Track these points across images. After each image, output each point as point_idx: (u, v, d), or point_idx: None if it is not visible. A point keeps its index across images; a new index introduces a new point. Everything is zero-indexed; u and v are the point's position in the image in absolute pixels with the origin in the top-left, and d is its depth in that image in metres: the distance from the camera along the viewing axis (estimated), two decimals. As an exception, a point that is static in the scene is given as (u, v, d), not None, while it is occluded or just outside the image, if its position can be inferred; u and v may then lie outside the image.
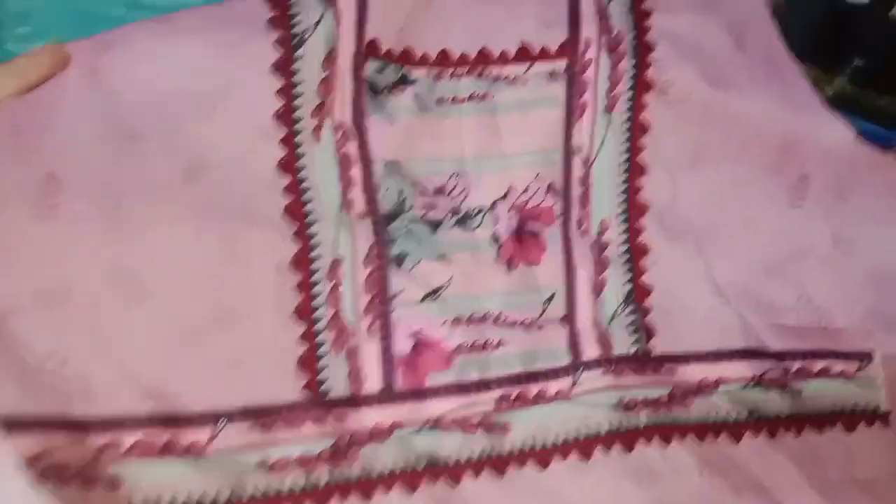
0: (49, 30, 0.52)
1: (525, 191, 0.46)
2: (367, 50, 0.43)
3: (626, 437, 0.44)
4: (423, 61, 0.45)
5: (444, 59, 0.45)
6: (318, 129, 0.42)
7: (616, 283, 0.47)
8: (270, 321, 0.40)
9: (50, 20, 0.53)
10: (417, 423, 0.42)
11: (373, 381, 0.42)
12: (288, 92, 0.42)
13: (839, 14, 0.57)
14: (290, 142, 0.42)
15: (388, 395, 0.42)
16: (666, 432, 0.45)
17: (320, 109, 0.42)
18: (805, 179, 0.47)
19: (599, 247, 0.47)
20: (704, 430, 0.46)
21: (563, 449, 0.44)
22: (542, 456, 0.43)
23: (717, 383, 0.46)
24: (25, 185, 0.36)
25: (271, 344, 0.40)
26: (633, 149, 0.47)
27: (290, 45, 0.42)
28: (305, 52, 0.42)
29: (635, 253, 0.47)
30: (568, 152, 0.47)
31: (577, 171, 0.47)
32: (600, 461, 0.44)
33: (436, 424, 0.42)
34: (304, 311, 0.41)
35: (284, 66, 0.41)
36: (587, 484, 0.43)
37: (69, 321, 0.36)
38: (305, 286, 0.41)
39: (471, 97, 0.46)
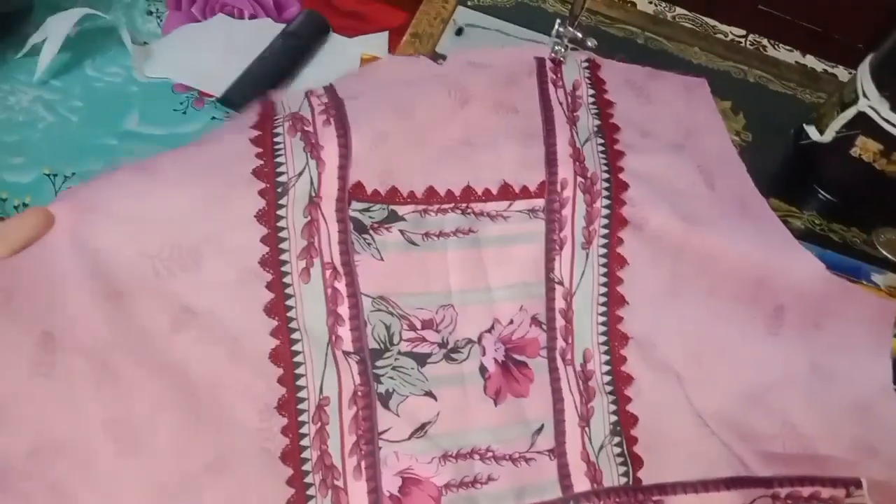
0: (42, 160, 0.55)
1: (510, 322, 0.48)
2: (352, 192, 0.46)
3: None
4: (411, 199, 0.47)
5: (430, 195, 0.48)
6: (306, 269, 0.44)
7: (602, 413, 0.48)
8: (258, 466, 0.40)
9: (43, 151, 0.56)
10: None
11: (361, 524, 0.41)
12: (273, 238, 0.43)
13: (803, 151, 0.62)
14: (277, 285, 0.43)
15: (377, 536, 0.41)
16: None
17: (308, 250, 0.44)
18: (780, 310, 0.50)
19: (584, 377, 0.48)
20: None
21: None
22: None
23: None
24: (23, 345, 0.36)
25: (260, 490, 0.40)
26: (612, 281, 0.50)
27: (274, 193, 0.44)
28: (289, 200, 0.44)
29: (619, 382, 0.48)
30: (550, 285, 0.49)
31: (560, 303, 0.49)
32: None
33: (427, 568, 0.42)
34: (291, 455, 0.41)
35: (268, 215, 0.44)
36: None
37: (66, 477, 0.36)
38: (292, 429, 0.41)
39: (456, 231, 0.48)
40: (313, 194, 0.44)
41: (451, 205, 0.48)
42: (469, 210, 0.48)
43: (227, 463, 0.39)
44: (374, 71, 0.53)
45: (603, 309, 0.50)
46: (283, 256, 0.43)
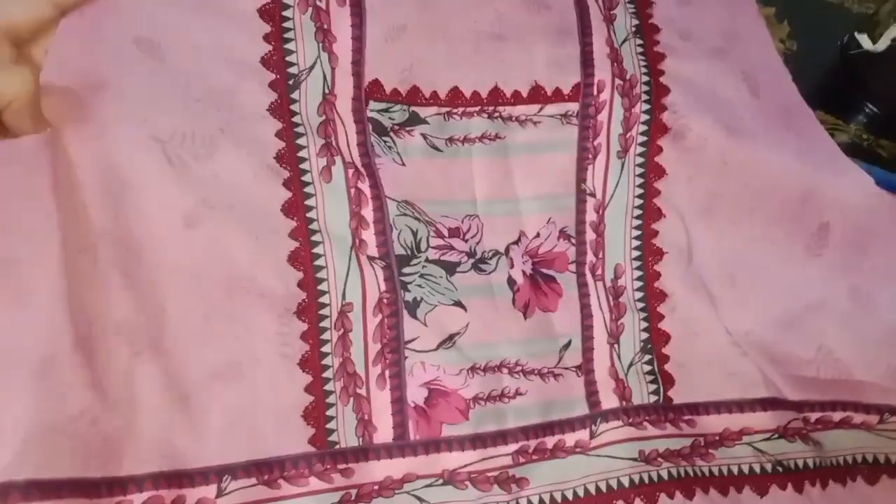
0: None
1: (537, 235, 0.47)
2: (369, 91, 0.44)
3: (647, 491, 0.44)
4: (433, 100, 0.46)
5: (455, 97, 0.46)
6: (327, 168, 0.43)
7: (632, 330, 0.47)
8: (275, 372, 0.39)
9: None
10: (430, 477, 0.41)
11: (384, 433, 0.41)
12: (288, 132, 0.42)
13: (853, 61, 0.59)
14: (295, 183, 0.42)
15: (400, 446, 0.41)
16: (688, 485, 0.45)
17: (327, 148, 0.43)
18: (825, 228, 0.49)
19: (615, 293, 0.47)
20: (728, 483, 0.45)
21: (583, 503, 0.43)
22: None
23: (740, 434, 0.46)
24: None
25: (276, 396, 0.39)
26: (648, 192, 0.48)
27: (285, 86, 0.42)
28: (301, 94, 0.42)
29: (651, 299, 0.48)
30: (580, 196, 0.48)
31: (591, 215, 0.48)
32: None
33: (450, 478, 0.41)
34: (310, 362, 0.40)
35: (282, 108, 0.42)
36: None
37: (96, 376, 0.35)
38: (312, 335, 0.40)
39: (482, 137, 0.46)
40: (326, 91, 0.43)
41: (478, 108, 0.46)
42: (496, 114, 0.47)
43: (242, 367, 0.38)
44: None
45: (638, 222, 0.48)
46: (301, 153, 0.42)
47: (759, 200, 0.48)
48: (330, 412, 0.40)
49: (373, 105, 0.44)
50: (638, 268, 0.48)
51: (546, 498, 0.43)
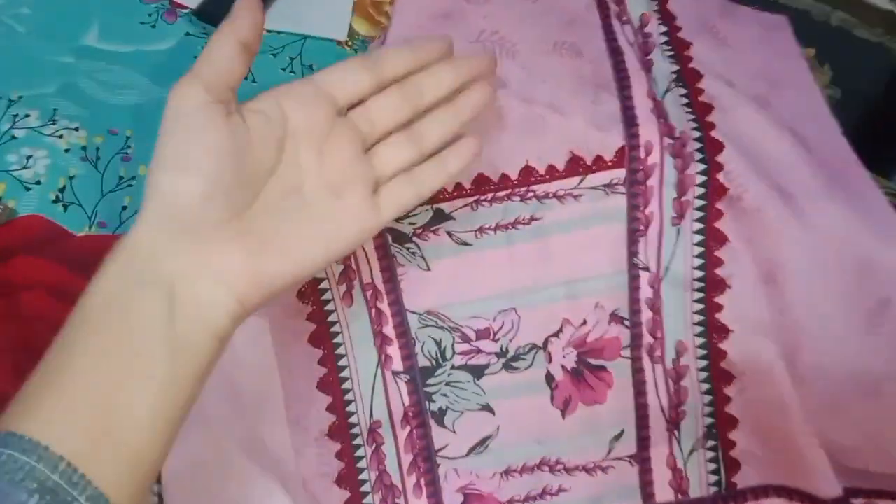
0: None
1: (584, 323, 0.44)
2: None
3: None
4: (458, 192, 0.43)
5: (481, 183, 0.44)
6: (348, 293, 0.43)
7: (695, 415, 0.45)
8: (316, 492, 0.43)
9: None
10: None
11: (425, 540, 0.44)
12: None
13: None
14: (318, 314, 0.43)
15: (441, 552, 0.44)
16: None
17: (346, 273, 0.43)
18: (885, 304, 0.42)
19: (676, 375, 0.44)
20: None
21: None
22: None
23: None
24: None
25: None
26: (709, 262, 0.43)
27: None
28: None
29: (717, 380, 0.44)
30: (633, 273, 0.44)
31: (645, 291, 0.44)
32: None
33: (497, 580, 0.43)
34: (348, 478, 0.43)
35: None
36: None
37: None
38: (346, 453, 0.43)
39: (516, 222, 0.44)
40: None
41: (508, 191, 0.43)
42: (530, 194, 0.43)
43: (285, 489, 0.42)
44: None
45: (699, 295, 0.44)
46: (322, 285, 0.43)
47: (819, 271, 0.43)
48: None
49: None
50: (701, 346, 0.44)
51: None
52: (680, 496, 0.44)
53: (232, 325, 0.32)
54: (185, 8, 0.53)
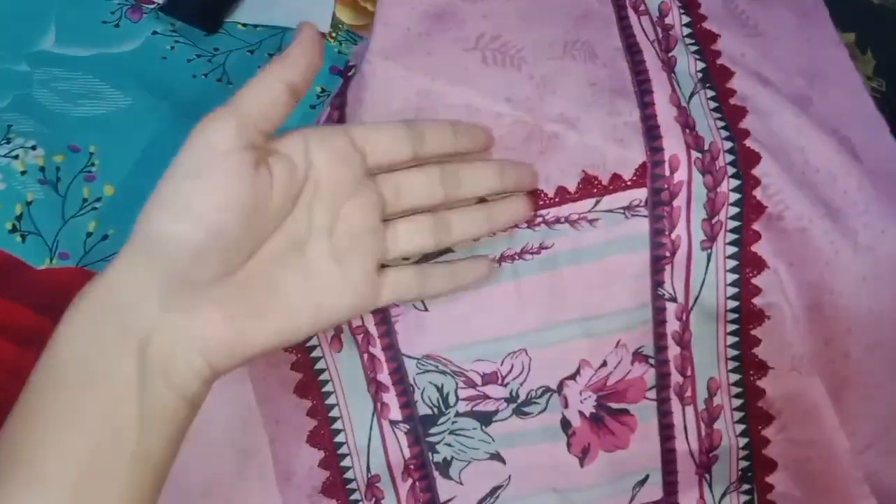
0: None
1: (604, 364, 0.39)
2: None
3: None
4: (457, 222, 0.38)
5: (483, 210, 0.38)
6: (336, 337, 0.39)
7: (729, 457, 0.40)
8: None
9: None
10: None
11: None
12: None
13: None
14: (304, 364, 0.39)
15: None
16: None
17: None
18: None
19: (709, 416, 0.40)
20: None
21: None
22: None
23: None
24: None
25: None
26: (745, 291, 0.38)
27: None
28: None
29: (754, 421, 0.40)
30: (658, 304, 0.39)
31: (672, 324, 0.39)
32: None
33: None
34: None
35: None
36: None
37: None
38: None
39: (523, 252, 0.39)
40: None
41: (513, 217, 0.38)
42: (538, 220, 0.38)
43: None
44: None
45: (734, 328, 0.39)
46: None
47: (870, 299, 0.38)
48: None
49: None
50: (737, 383, 0.40)
51: None
52: (712, 544, 0.41)
53: (204, 390, 0.29)
54: (152, 3, 0.48)
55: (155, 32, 0.47)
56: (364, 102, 0.39)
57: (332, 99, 0.40)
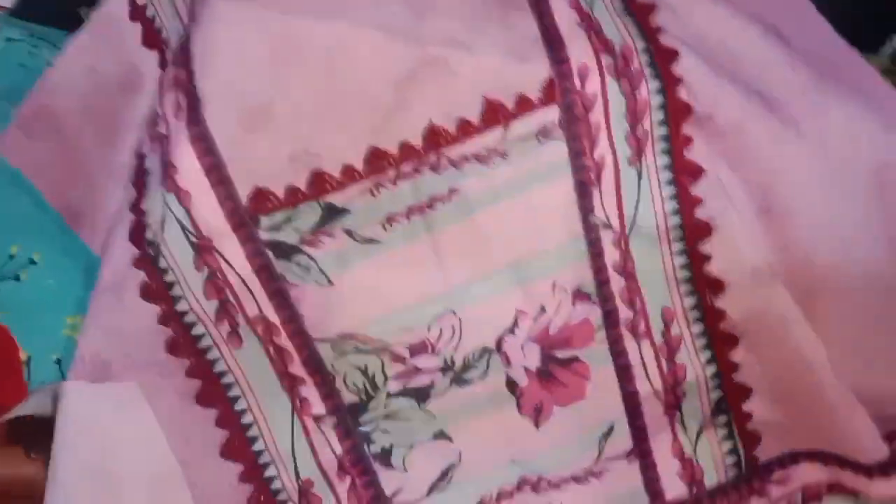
0: None
1: (542, 311, 0.35)
2: (253, 206, 0.33)
3: None
4: (348, 177, 0.33)
5: (377, 159, 0.33)
6: (233, 333, 0.34)
7: (698, 391, 0.37)
8: None
9: None
10: None
11: None
12: (170, 314, 0.34)
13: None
14: (200, 368, 0.34)
15: None
16: None
17: (224, 309, 0.34)
18: None
19: (668, 349, 0.36)
20: None
21: None
22: None
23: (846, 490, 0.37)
24: None
25: None
26: (684, 203, 0.34)
27: (149, 261, 0.33)
28: (168, 260, 0.33)
29: (719, 346, 0.36)
30: (592, 235, 0.35)
31: (611, 255, 0.35)
32: None
33: None
34: None
35: (156, 289, 0.34)
36: None
37: None
38: None
39: (433, 201, 0.34)
40: (193, 240, 0.32)
41: (413, 163, 0.33)
42: (443, 161, 0.33)
43: None
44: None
45: (680, 246, 0.35)
46: (196, 331, 0.34)
47: (825, 187, 0.34)
48: None
49: (265, 222, 0.33)
50: (693, 307, 0.36)
51: None
52: (695, 488, 0.37)
53: None
54: (2, 9, 0.45)
55: (9, 39, 0.44)
56: (212, 56, 0.33)
57: (175, 55, 0.35)
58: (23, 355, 0.40)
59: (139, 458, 0.34)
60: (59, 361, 0.39)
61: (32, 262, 0.40)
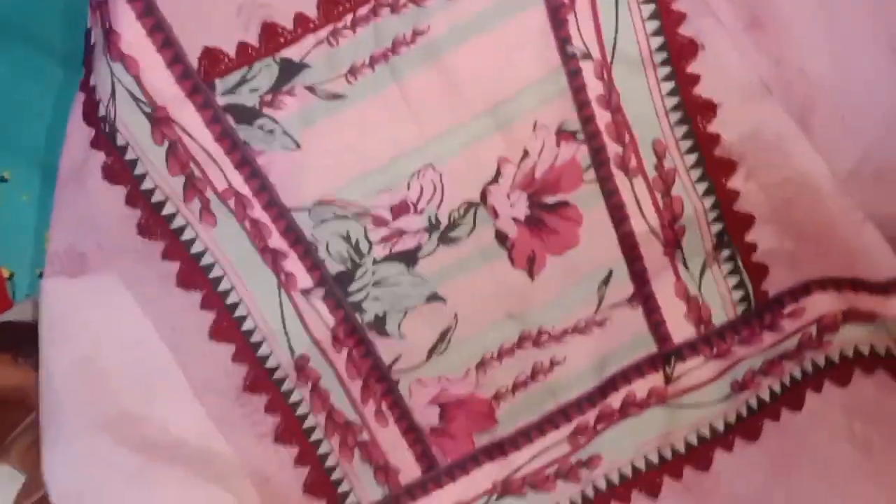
0: None
1: (525, 155, 0.33)
2: (206, 69, 0.31)
3: (748, 427, 0.36)
4: (303, 27, 0.31)
5: (331, 4, 0.31)
6: (206, 210, 0.32)
7: (698, 224, 0.35)
8: (256, 458, 0.34)
9: None
10: (482, 497, 0.36)
11: (409, 470, 0.35)
12: (136, 193, 0.32)
13: None
14: (175, 249, 0.33)
15: (434, 478, 0.36)
16: (797, 394, 0.36)
17: (192, 185, 0.32)
18: None
19: (663, 183, 0.34)
20: (847, 370, 0.36)
21: (672, 466, 0.36)
22: (647, 482, 0.36)
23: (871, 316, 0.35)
24: None
25: (267, 483, 0.34)
26: (667, 21, 0.32)
27: (105, 139, 0.31)
28: (123, 133, 0.31)
29: (715, 173, 0.34)
30: (571, 66, 0.32)
31: (594, 87, 0.33)
32: (726, 463, 0.36)
33: (504, 490, 0.36)
34: (288, 431, 0.34)
35: (118, 170, 0.32)
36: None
37: None
38: (278, 403, 0.34)
39: (396, 45, 0.31)
40: (148, 111, 0.30)
41: (370, 4, 0.31)
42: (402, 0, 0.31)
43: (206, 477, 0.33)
44: None
45: (666, 70, 0.33)
46: (166, 210, 0.32)
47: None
48: (335, 475, 0.35)
49: (220, 86, 0.31)
50: (685, 136, 0.34)
51: (627, 471, 0.36)
52: (703, 328, 0.36)
53: None
54: None
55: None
56: None
57: None
58: (5, 272, 0.40)
59: (129, 352, 0.33)
60: (42, 275, 0.38)
61: (3, 179, 0.39)
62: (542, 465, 0.36)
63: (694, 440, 0.36)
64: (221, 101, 0.31)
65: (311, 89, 0.31)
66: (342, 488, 0.35)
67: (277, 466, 0.35)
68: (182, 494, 0.32)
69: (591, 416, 0.36)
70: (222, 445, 0.34)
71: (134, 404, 0.33)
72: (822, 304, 0.35)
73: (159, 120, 0.31)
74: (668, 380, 0.36)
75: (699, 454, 0.36)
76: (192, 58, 0.30)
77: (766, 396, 0.36)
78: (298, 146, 0.32)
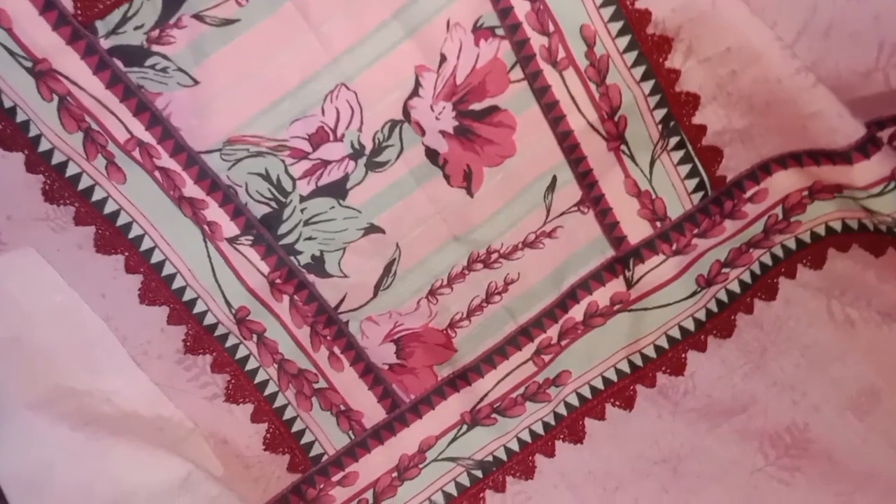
0: None
1: (444, 60, 0.31)
2: (83, 11, 0.28)
3: (721, 321, 0.34)
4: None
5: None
6: (112, 164, 0.30)
7: (639, 110, 0.32)
8: (212, 420, 0.33)
9: None
10: (451, 430, 0.35)
11: (373, 412, 0.34)
12: (38, 161, 0.30)
13: None
14: (86, 213, 0.31)
15: (399, 417, 0.34)
16: (770, 282, 0.34)
17: (92, 139, 0.30)
18: None
19: (597, 72, 0.32)
20: (821, 249, 0.34)
21: (644, 373, 0.34)
22: (620, 393, 0.34)
23: (838, 187, 0.33)
24: None
25: (226, 444, 0.33)
26: None
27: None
28: (8, 94, 0.29)
29: (651, 54, 0.31)
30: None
31: None
32: (700, 361, 0.34)
33: (474, 420, 0.35)
34: (241, 388, 0.33)
35: (11, 135, 0.30)
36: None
37: None
38: (224, 361, 0.32)
39: None
40: (28, 65, 0.28)
41: None
42: None
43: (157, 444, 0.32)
44: None
45: None
46: (70, 171, 0.30)
47: None
48: (296, 427, 0.34)
49: (102, 27, 0.28)
50: (613, 17, 0.31)
51: (599, 383, 0.35)
52: (660, 223, 0.33)
53: None
54: None
55: None
56: None
57: None
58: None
59: (60, 325, 0.31)
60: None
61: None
62: (509, 389, 0.35)
63: (664, 344, 0.34)
64: (106, 44, 0.28)
65: (199, 18, 0.29)
66: (305, 439, 0.34)
67: (234, 426, 0.33)
68: (133, 466, 0.31)
69: (553, 332, 0.34)
70: (172, 411, 0.33)
71: (71, 379, 0.32)
72: (784, 182, 0.33)
73: (43, 73, 0.28)
74: (629, 283, 0.34)
75: (671, 358, 0.34)
76: (66, 1, 0.28)
77: (736, 289, 0.34)
78: (196, 82, 0.29)
